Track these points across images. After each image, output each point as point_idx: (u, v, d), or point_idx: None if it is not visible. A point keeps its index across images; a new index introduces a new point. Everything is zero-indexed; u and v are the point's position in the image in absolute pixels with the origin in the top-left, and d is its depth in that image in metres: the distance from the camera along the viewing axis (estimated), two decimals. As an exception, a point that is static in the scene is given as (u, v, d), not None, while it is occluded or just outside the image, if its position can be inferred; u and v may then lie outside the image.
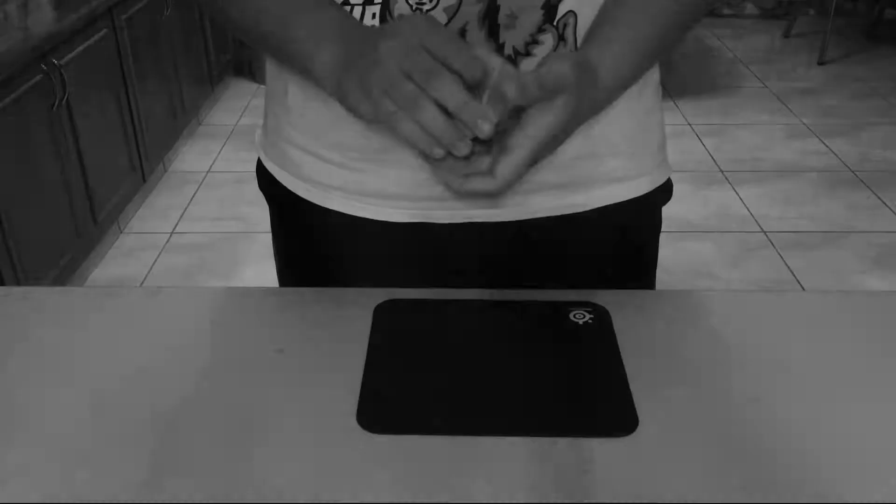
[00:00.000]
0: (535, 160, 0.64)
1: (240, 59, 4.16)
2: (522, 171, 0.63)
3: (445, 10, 0.69)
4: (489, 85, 0.60)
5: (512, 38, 0.71)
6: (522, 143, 0.62)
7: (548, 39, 0.71)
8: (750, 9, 5.33)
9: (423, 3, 0.69)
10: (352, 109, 0.64)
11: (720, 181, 3.14)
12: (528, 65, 0.72)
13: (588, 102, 0.66)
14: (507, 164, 0.62)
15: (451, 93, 0.58)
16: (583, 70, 0.64)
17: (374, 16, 0.70)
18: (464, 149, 0.60)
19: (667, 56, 0.75)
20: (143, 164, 2.89)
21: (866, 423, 0.64)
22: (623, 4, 0.71)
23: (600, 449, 0.61)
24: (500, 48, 0.71)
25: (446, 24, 0.70)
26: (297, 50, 0.69)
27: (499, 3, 0.69)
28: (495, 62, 0.60)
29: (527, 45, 0.71)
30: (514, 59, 0.72)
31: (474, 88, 0.61)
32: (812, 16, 5.11)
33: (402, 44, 0.59)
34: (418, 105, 0.58)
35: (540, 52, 0.72)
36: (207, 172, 3.22)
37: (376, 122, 0.63)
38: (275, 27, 0.71)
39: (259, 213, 2.64)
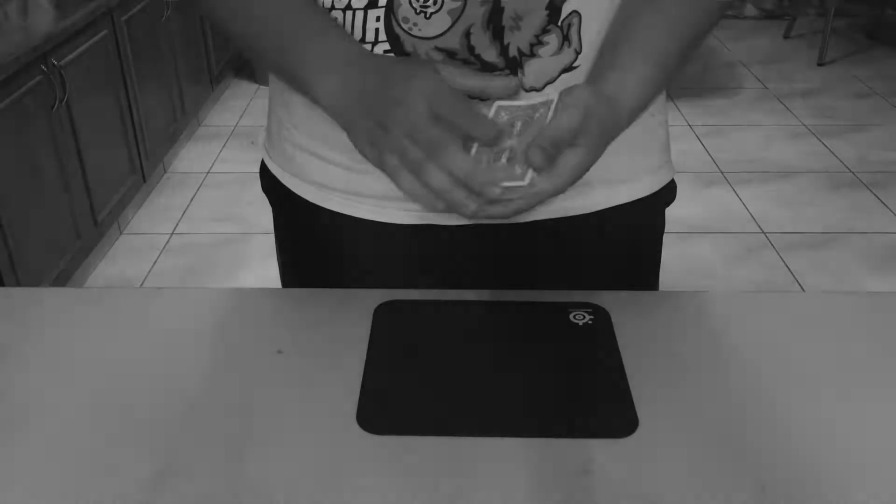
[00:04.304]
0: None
1: (240, 59, 4.16)
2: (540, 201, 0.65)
3: (450, 12, 0.69)
4: (505, 144, 0.62)
5: (517, 40, 0.71)
6: (546, 184, 0.63)
7: (552, 40, 0.71)
8: (750, 10, 5.33)
9: (427, 6, 0.69)
10: (358, 149, 0.65)
11: (720, 182, 3.14)
12: (531, 66, 0.72)
13: (612, 130, 0.67)
14: (527, 198, 0.64)
15: (458, 165, 0.60)
16: (602, 103, 0.65)
17: (377, 19, 0.70)
18: (473, 206, 0.61)
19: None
20: (143, 164, 2.89)
21: (866, 424, 0.64)
22: (639, 21, 0.71)
23: (600, 450, 0.61)
24: (504, 50, 0.71)
25: (450, 27, 0.69)
26: (298, 75, 0.70)
27: (503, 4, 0.69)
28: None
29: (531, 46, 0.71)
30: (518, 61, 0.71)
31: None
32: (812, 17, 5.11)
33: (409, 113, 0.60)
34: (425, 169, 0.60)
35: (544, 52, 0.71)
36: (207, 173, 3.22)
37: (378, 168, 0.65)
38: (277, 48, 0.71)
39: (259, 213, 2.64)
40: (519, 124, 0.63)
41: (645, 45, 0.70)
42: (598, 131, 0.64)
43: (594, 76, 0.71)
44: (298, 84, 0.71)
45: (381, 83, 0.64)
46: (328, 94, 0.67)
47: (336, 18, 0.71)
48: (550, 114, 0.62)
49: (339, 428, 0.63)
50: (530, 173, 0.61)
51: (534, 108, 0.64)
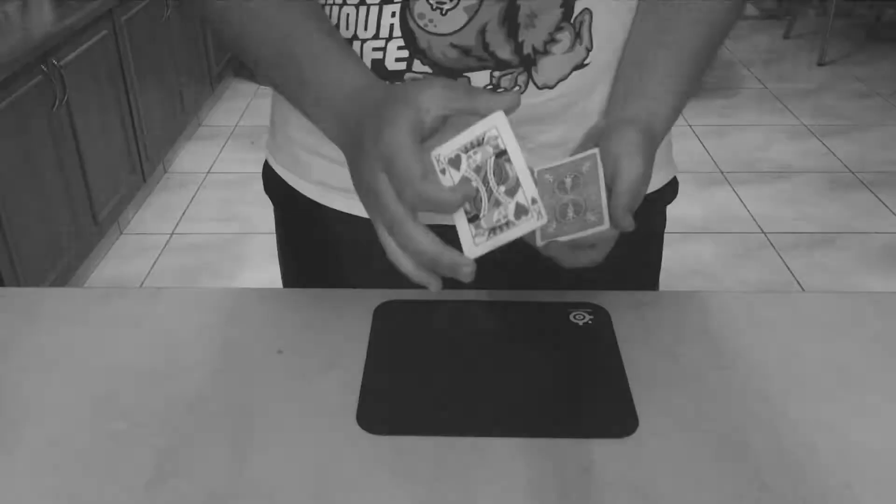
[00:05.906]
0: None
1: (240, 59, 4.16)
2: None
3: (466, 9, 0.69)
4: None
5: (531, 38, 0.71)
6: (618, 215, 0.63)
7: (565, 37, 0.72)
8: (750, 10, 5.33)
9: (444, 3, 0.69)
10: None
11: (720, 182, 3.14)
12: (544, 63, 0.72)
13: (654, 154, 0.69)
14: (608, 240, 0.66)
15: (419, 248, 0.57)
16: (647, 136, 0.67)
17: (393, 14, 0.70)
18: (436, 286, 0.58)
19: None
20: (143, 164, 2.89)
21: (867, 423, 0.64)
22: (660, 46, 0.72)
23: (600, 450, 0.61)
24: (518, 47, 0.71)
25: (466, 24, 0.70)
26: (305, 106, 0.70)
27: (519, 2, 0.69)
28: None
29: (545, 43, 0.71)
30: (532, 58, 0.72)
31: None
32: (812, 17, 5.12)
33: (370, 188, 0.59)
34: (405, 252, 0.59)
35: (557, 50, 0.72)
36: (207, 173, 3.22)
37: None
38: (282, 78, 0.71)
39: (259, 213, 2.64)
40: (569, 179, 0.65)
41: (668, 61, 0.71)
42: (652, 164, 0.67)
43: (625, 93, 0.72)
44: (304, 111, 0.71)
45: (368, 134, 0.61)
46: (329, 134, 0.69)
47: (347, 18, 0.71)
48: (600, 164, 0.65)
49: (338, 428, 0.63)
50: (606, 215, 0.63)
51: (577, 163, 0.66)
